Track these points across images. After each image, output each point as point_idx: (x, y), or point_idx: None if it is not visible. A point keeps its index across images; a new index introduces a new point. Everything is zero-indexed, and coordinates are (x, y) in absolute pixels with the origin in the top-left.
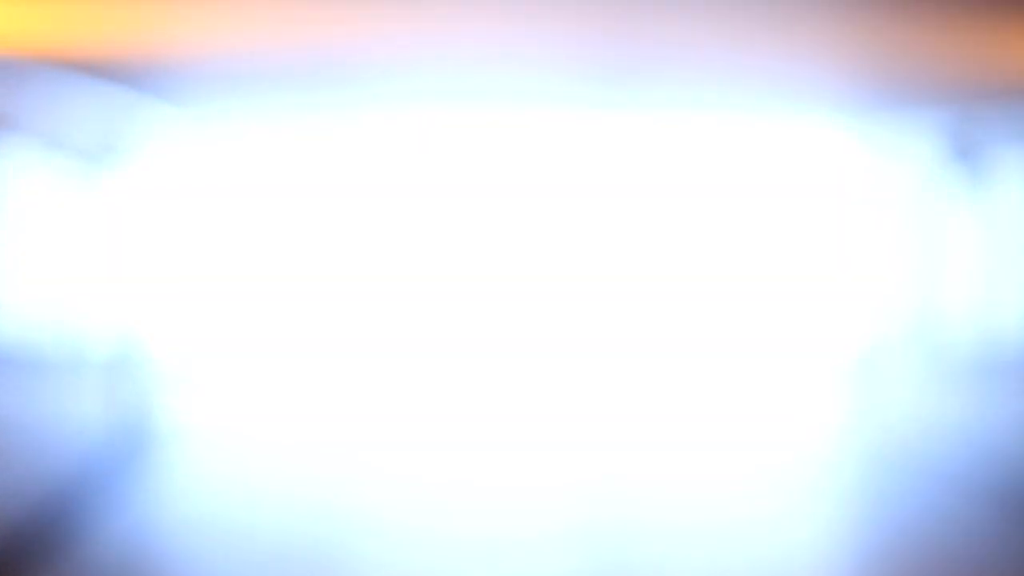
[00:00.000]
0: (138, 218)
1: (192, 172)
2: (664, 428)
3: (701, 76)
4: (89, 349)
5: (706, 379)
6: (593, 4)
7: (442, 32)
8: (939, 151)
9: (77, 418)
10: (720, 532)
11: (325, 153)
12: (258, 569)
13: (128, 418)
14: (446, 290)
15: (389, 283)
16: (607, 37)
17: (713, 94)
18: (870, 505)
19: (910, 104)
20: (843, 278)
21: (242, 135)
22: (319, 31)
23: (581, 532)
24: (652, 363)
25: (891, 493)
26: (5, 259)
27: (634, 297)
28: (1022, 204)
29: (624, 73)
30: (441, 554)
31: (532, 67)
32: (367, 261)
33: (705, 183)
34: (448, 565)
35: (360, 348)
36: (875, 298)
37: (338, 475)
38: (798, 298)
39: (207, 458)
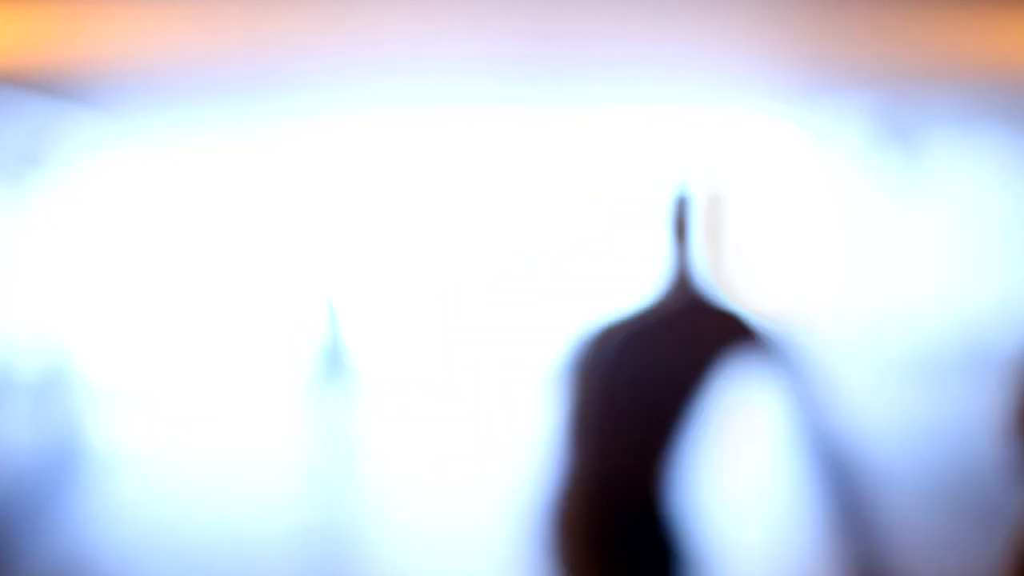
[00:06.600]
0: (67, 231)
1: (122, 184)
2: None
3: (629, 68)
4: (18, 367)
5: None
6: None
7: (372, 37)
8: (872, 134)
9: (6, 438)
10: None
11: (258, 162)
12: None
13: (58, 437)
14: (395, 290)
15: (323, 292)
16: (533, 32)
17: (642, 85)
18: (822, 505)
19: (842, 88)
20: (779, 270)
21: (174, 146)
22: (247, 41)
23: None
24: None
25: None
26: None
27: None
28: (956, 187)
29: (552, 67)
30: (412, 552)
31: (460, 67)
32: (296, 270)
33: (635, 178)
34: (425, 562)
35: (300, 356)
36: (816, 290)
37: (284, 488)
38: (735, 293)
39: (139, 476)
